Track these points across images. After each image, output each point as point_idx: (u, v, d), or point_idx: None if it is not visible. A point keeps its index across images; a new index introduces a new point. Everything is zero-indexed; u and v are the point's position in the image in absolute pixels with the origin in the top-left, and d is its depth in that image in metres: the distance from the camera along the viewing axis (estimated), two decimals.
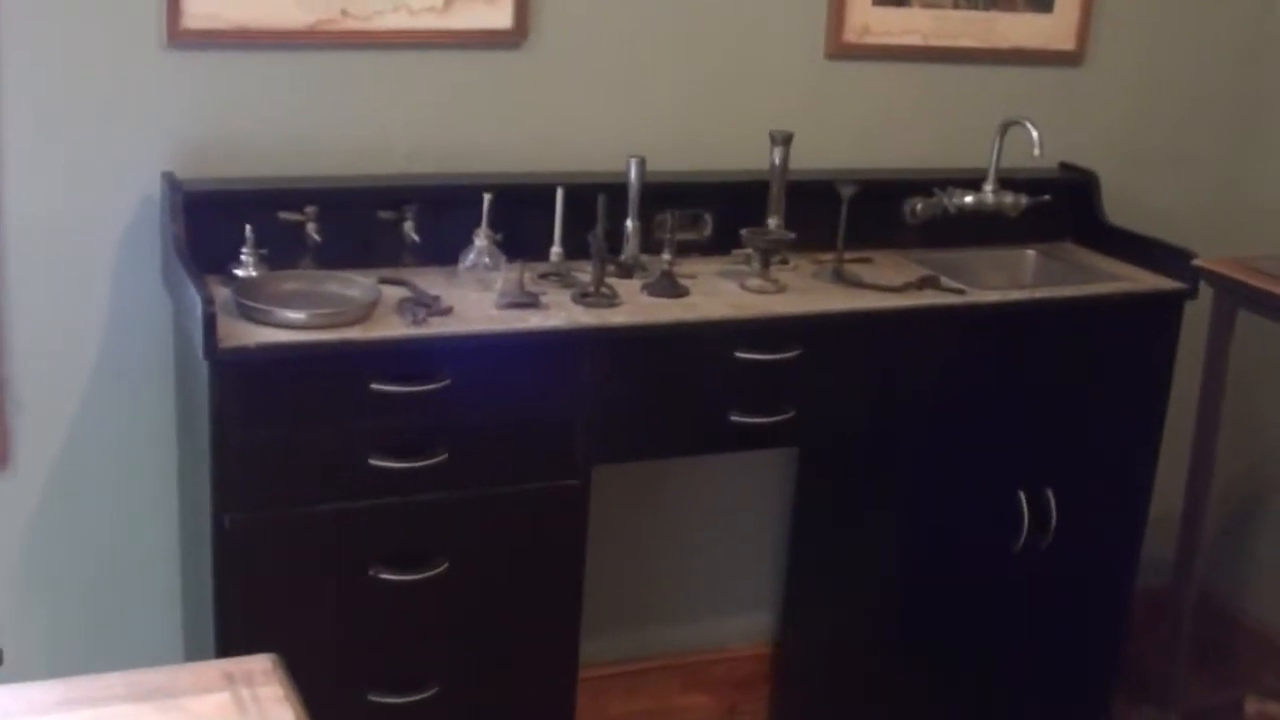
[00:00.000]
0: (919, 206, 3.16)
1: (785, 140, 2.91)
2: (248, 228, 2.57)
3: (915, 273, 2.94)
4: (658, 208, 2.83)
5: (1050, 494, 3.00)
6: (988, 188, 3.14)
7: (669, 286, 2.71)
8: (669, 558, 3.30)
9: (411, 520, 2.49)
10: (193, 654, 2.78)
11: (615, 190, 2.78)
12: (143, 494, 2.83)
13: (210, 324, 2.28)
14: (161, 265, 2.67)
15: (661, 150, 2.90)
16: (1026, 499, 2.98)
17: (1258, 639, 3.60)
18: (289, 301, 2.45)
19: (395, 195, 2.75)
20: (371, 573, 2.48)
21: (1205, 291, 3.09)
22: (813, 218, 2.93)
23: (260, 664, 1.56)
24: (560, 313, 2.57)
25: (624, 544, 3.19)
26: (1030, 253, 3.28)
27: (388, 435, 2.44)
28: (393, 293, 2.57)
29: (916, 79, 3.25)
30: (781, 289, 2.79)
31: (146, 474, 2.82)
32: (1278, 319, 3.04)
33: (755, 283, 2.79)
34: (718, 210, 2.96)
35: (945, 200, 3.14)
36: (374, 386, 2.40)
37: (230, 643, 2.39)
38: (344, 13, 2.73)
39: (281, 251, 2.62)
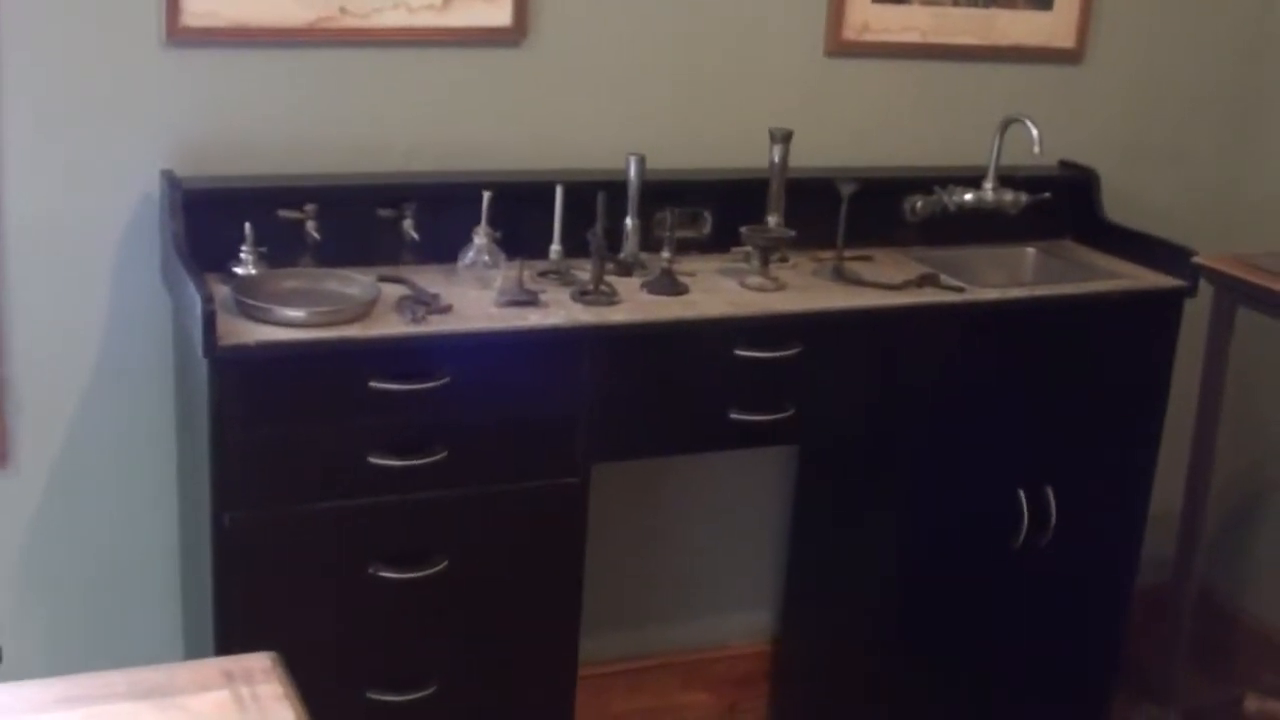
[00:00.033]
0: (919, 204, 3.16)
1: (785, 138, 2.91)
2: (247, 226, 2.57)
3: (915, 270, 2.94)
4: (657, 205, 2.83)
5: (1050, 491, 3.00)
6: (987, 185, 3.14)
7: (668, 284, 2.71)
8: (669, 556, 3.30)
9: (411, 518, 2.49)
10: (192, 652, 2.78)
11: (615, 188, 2.78)
12: (142, 492, 2.83)
13: (210, 322, 2.27)
14: (161, 264, 2.67)
15: (661, 148, 2.90)
16: (1026, 496, 2.98)
17: (1257, 637, 3.60)
18: (288, 299, 2.45)
19: (394, 193, 2.75)
20: (371, 571, 2.48)
21: (1205, 289, 3.09)
22: (812, 215, 2.93)
23: (260, 662, 1.56)
24: (560, 311, 2.57)
25: (624, 542, 3.19)
26: (1030, 250, 3.27)
27: (387, 433, 2.43)
28: (392, 291, 2.57)
29: (916, 76, 3.25)
30: (781, 287, 2.79)
31: (146, 472, 2.82)
32: (1277, 316, 3.04)
33: (755, 280, 2.79)
34: (717, 208, 2.96)
35: (945, 198, 3.14)
36: (373, 384, 2.40)
37: (230, 640, 2.39)
38: (343, 10, 2.72)
39: (281, 249, 2.62)
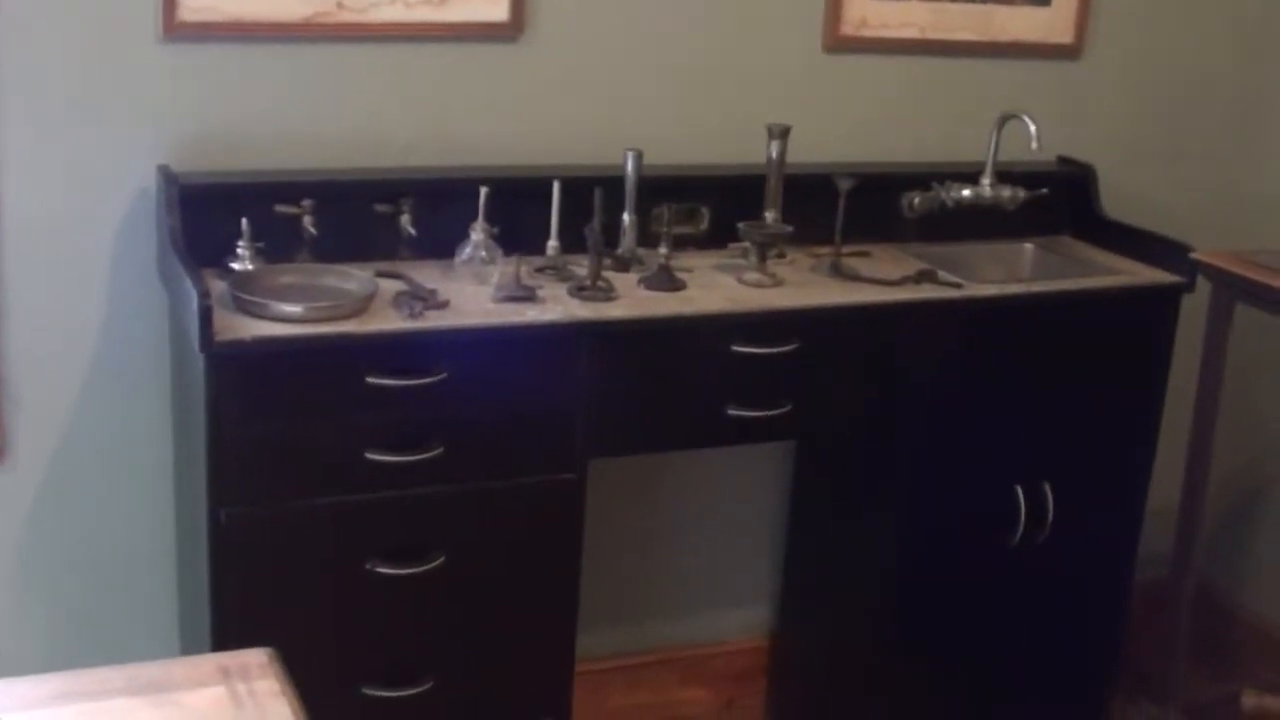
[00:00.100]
0: (917, 200, 3.15)
1: (782, 133, 2.90)
2: (244, 221, 2.56)
3: (913, 266, 2.93)
4: (654, 201, 2.83)
5: (1048, 488, 3.00)
6: (985, 181, 3.13)
7: (666, 280, 2.70)
8: (666, 552, 3.30)
9: (408, 514, 2.49)
10: (189, 648, 2.78)
11: (612, 184, 2.78)
12: (139, 488, 2.83)
13: (206, 317, 2.27)
14: (157, 259, 2.66)
15: (658, 143, 2.90)
16: (1024, 493, 2.98)
17: (1256, 633, 3.60)
18: (285, 295, 2.45)
19: (392, 188, 2.74)
20: (368, 566, 2.48)
21: (1203, 285, 3.09)
22: (810, 211, 2.92)
23: (256, 658, 1.56)
24: (557, 306, 2.56)
25: (621, 538, 3.18)
26: (1028, 246, 3.27)
27: (384, 429, 2.43)
28: (389, 286, 2.56)
29: (914, 72, 3.25)
30: (779, 282, 2.79)
31: (143, 468, 2.82)
32: (1275, 312, 3.04)
33: (752, 276, 2.79)
34: (715, 203, 2.95)
35: (943, 194, 3.14)
36: (370, 380, 2.40)
37: (226, 636, 2.38)
38: (340, 5, 2.72)
39: (278, 245, 2.62)
